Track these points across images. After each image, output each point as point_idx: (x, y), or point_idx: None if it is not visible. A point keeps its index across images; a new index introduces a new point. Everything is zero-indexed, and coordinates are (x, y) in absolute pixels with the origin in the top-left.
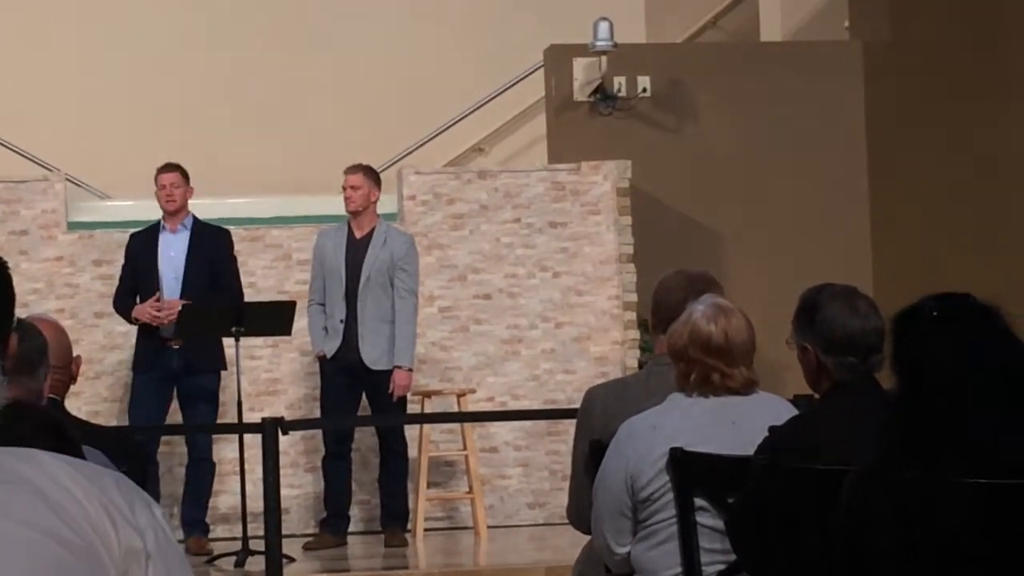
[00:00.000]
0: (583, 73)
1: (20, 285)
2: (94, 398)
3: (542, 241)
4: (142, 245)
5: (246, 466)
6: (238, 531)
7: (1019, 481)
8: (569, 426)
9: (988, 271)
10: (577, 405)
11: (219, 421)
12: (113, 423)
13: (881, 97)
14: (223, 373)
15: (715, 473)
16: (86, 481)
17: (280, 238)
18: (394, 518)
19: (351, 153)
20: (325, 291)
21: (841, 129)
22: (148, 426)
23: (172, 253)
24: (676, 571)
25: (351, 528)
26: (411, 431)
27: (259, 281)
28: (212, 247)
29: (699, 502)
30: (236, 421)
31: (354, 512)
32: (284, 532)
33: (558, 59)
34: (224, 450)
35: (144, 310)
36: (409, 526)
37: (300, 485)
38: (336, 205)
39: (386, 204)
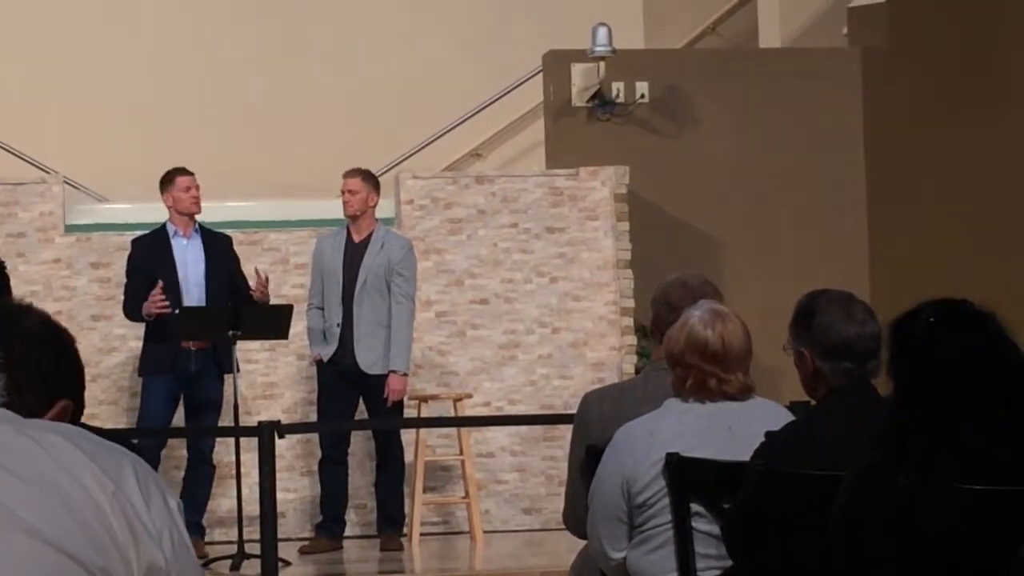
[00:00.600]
0: (581, 78)
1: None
2: (91, 401)
3: (539, 246)
4: (153, 252)
5: (242, 469)
6: (234, 534)
7: (1013, 487)
8: (565, 431)
9: (986, 277)
10: (574, 410)
11: (217, 424)
12: (110, 426)
13: (879, 103)
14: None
15: (711, 478)
16: (105, 477)
17: (278, 242)
18: (390, 522)
19: (350, 157)
20: (323, 295)
21: (839, 135)
22: (149, 429)
23: (190, 258)
24: None
25: (347, 532)
26: (407, 435)
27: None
28: (223, 253)
29: (695, 507)
30: (233, 424)
31: (350, 516)
32: (280, 536)
33: (557, 64)
34: (221, 453)
35: (155, 302)
36: (405, 530)
37: (296, 489)
38: (334, 209)
39: (384, 208)
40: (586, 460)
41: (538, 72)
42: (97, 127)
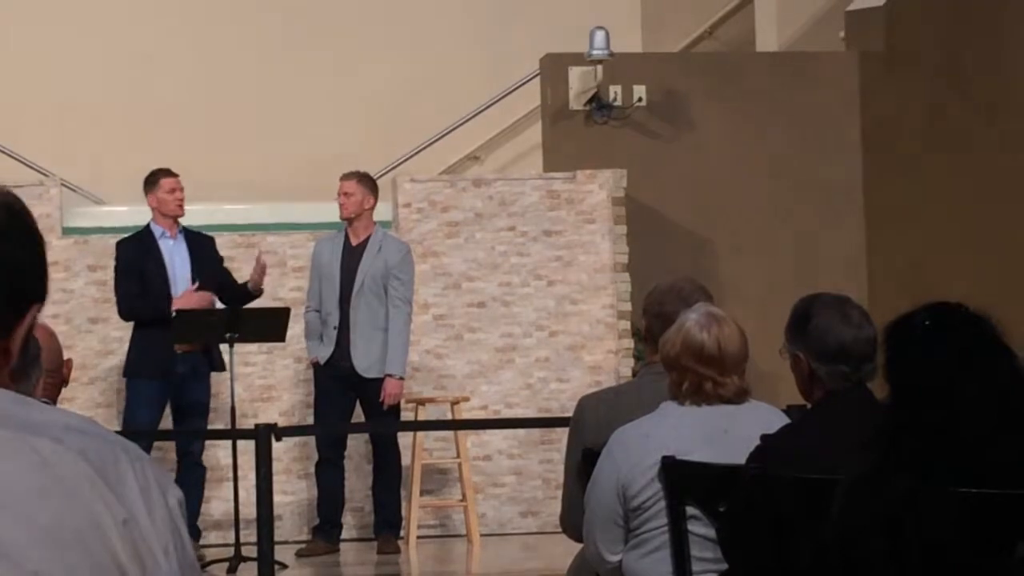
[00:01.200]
0: (579, 82)
1: None
2: (88, 403)
3: (537, 249)
4: (142, 253)
5: (239, 472)
6: (231, 537)
7: (1008, 490)
8: (563, 434)
9: (984, 282)
10: (571, 414)
11: (213, 427)
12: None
13: (877, 107)
14: (217, 379)
15: (707, 482)
16: (115, 501)
17: (275, 244)
18: (387, 525)
19: (347, 160)
20: (321, 297)
21: (836, 139)
22: (144, 431)
23: (178, 259)
24: None
25: (344, 535)
26: (404, 438)
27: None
28: (208, 253)
29: (691, 510)
30: (230, 427)
31: (347, 519)
32: (277, 539)
33: (554, 68)
34: (217, 456)
35: (195, 296)
36: (402, 533)
37: (293, 492)
38: (332, 212)
39: (381, 211)
40: (582, 463)
41: (535, 75)
42: (94, 130)
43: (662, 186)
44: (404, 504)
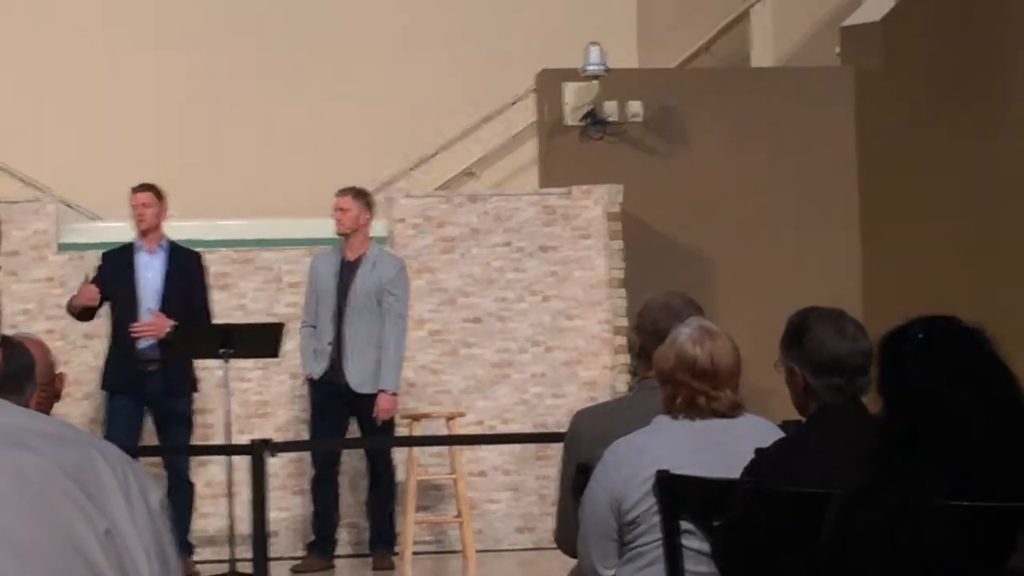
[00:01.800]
0: (574, 97)
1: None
2: (81, 419)
3: (532, 265)
4: (118, 264)
5: (234, 488)
6: (226, 553)
7: (1001, 503)
8: (558, 450)
9: (979, 297)
10: (566, 429)
11: (208, 442)
12: None
13: (872, 123)
14: (213, 394)
15: (701, 496)
16: (97, 512)
17: (271, 260)
18: (382, 541)
19: (343, 176)
20: (317, 313)
21: (832, 155)
22: (135, 447)
23: (150, 274)
24: None
25: (339, 551)
26: (400, 454)
27: (249, 303)
28: (188, 269)
29: (685, 525)
30: (225, 442)
31: (342, 535)
32: (272, 555)
33: (550, 83)
34: (212, 472)
35: (84, 293)
36: (397, 549)
37: (288, 508)
38: (327, 228)
39: (377, 227)
40: (577, 478)
41: (531, 91)
42: (92, 146)
43: (658, 201)
44: (399, 520)
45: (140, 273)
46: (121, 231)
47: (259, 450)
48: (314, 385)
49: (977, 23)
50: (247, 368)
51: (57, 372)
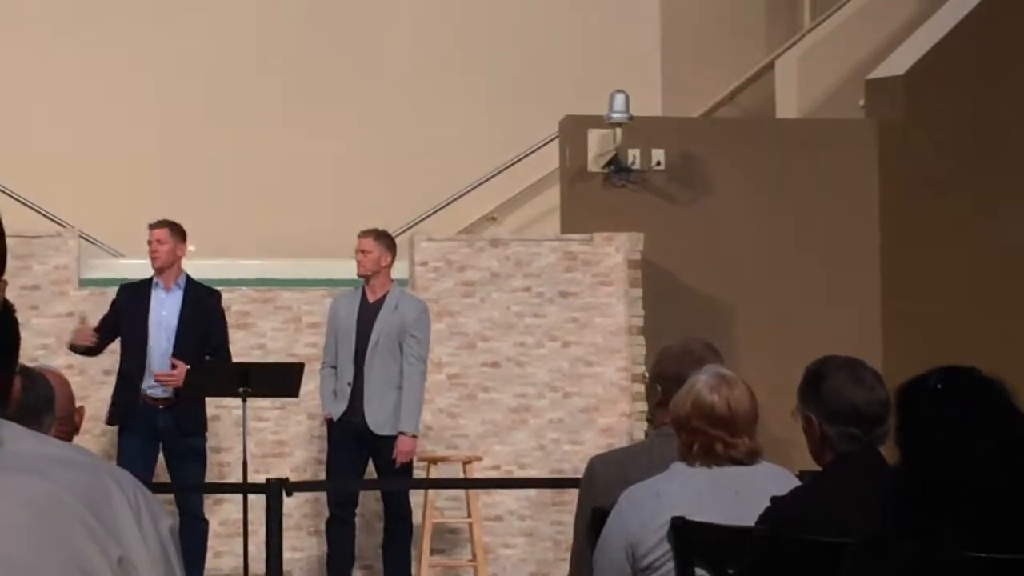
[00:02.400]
0: (598, 144)
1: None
2: (100, 455)
3: (552, 311)
4: (132, 299)
5: (249, 527)
6: None
7: (1018, 555)
8: (575, 496)
9: (1001, 350)
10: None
11: (224, 481)
12: None
13: (895, 175)
14: (229, 433)
15: (717, 543)
16: (109, 539)
17: (291, 300)
18: None
19: (366, 218)
20: (337, 354)
21: (855, 206)
22: (149, 484)
23: (164, 312)
24: None
25: None
26: (416, 497)
27: (269, 343)
28: (205, 308)
29: (700, 572)
30: (241, 481)
31: None
32: None
33: (573, 130)
34: (227, 510)
35: (81, 332)
36: None
37: (303, 548)
38: (349, 269)
39: (398, 270)
40: (592, 522)
41: (555, 137)
42: (114, 183)
43: (679, 250)
44: (414, 563)
45: (154, 311)
46: (142, 268)
47: (275, 489)
48: (332, 426)
49: (999, 77)
50: (265, 408)
51: (77, 406)
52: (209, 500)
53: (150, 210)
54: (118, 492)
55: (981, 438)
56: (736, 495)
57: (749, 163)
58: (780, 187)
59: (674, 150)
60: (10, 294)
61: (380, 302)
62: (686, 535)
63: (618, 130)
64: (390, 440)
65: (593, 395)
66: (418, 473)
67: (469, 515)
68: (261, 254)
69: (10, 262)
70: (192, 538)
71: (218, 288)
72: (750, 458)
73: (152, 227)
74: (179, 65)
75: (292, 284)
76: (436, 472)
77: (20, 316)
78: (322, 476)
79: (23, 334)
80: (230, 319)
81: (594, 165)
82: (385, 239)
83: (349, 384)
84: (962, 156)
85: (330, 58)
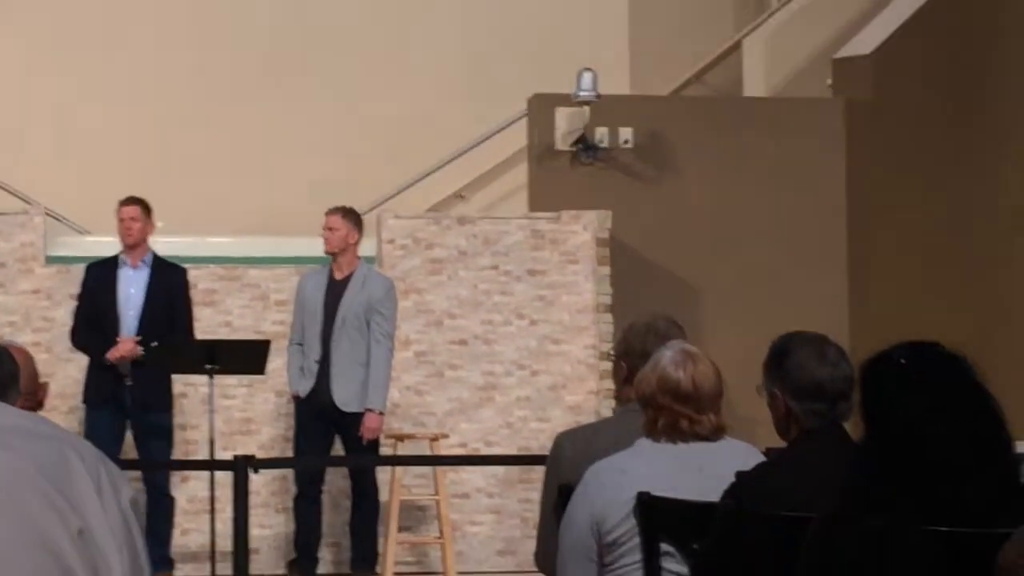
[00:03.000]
0: (566, 123)
1: None
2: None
3: (520, 289)
4: (100, 278)
5: (216, 504)
6: (207, 570)
7: (980, 529)
8: (541, 474)
9: (967, 327)
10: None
11: (191, 458)
12: None
13: (862, 154)
14: (197, 410)
15: (681, 519)
16: (70, 511)
17: (258, 278)
18: (363, 561)
19: (333, 196)
20: (304, 331)
21: (821, 185)
22: (116, 460)
23: (132, 290)
24: None
25: (320, 570)
26: (383, 474)
27: (236, 320)
28: (170, 285)
29: (665, 547)
30: (208, 458)
31: (323, 554)
32: (253, 572)
33: (541, 108)
34: (194, 488)
35: (125, 347)
36: (378, 569)
37: (270, 525)
38: (316, 247)
39: (365, 247)
40: (558, 499)
41: (523, 116)
42: (80, 160)
43: (646, 228)
44: (381, 540)
45: (121, 288)
46: (108, 245)
47: (242, 466)
48: (299, 403)
49: (967, 56)
50: (232, 385)
51: (41, 382)
52: (176, 477)
53: (117, 188)
54: (78, 462)
55: (944, 414)
56: (701, 471)
57: (717, 141)
58: (748, 165)
59: (642, 128)
60: None
61: (347, 280)
62: (651, 511)
63: (586, 108)
64: (357, 417)
65: (560, 373)
66: (385, 450)
67: (436, 492)
68: (228, 231)
69: None
70: (159, 515)
71: (185, 265)
72: (715, 434)
73: (123, 204)
74: (147, 41)
75: (259, 262)
76: (403, 449)
77: None
78: (289, 453)
79: None
80: (197, 296)
81: (562, 143)
82: (352, 216)
83: (316, 361)
84: (928, 135)
85: (298, 36)
